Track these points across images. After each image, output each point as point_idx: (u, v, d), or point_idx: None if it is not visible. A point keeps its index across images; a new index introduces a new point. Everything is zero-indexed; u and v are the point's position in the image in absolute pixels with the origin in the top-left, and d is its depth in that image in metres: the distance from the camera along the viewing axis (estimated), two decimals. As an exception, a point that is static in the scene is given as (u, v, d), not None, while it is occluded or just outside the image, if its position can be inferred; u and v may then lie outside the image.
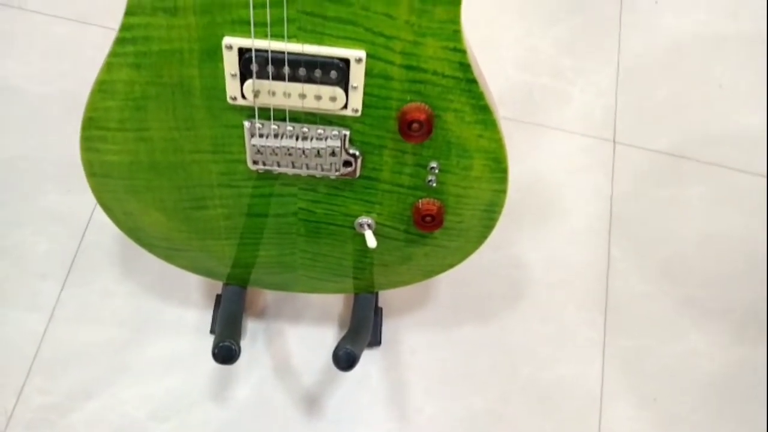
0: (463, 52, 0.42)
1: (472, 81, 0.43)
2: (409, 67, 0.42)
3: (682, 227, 0.85)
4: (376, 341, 0.70)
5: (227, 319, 0.57)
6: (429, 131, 0.45)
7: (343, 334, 0.72)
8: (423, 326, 0.74)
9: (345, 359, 0.51)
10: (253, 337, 0.72)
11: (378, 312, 0.70)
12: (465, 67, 0.43)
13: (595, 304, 0.78)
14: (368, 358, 0.72)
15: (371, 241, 0.52)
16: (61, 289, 0.71)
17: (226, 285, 0.62)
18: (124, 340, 0.70)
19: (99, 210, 0.78)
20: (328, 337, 0.73)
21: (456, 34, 0.41)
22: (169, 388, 0.68)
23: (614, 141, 0.89)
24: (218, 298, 0.69)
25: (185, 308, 0.72)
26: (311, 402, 0.69)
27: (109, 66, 0.43)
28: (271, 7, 0.38)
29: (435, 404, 0.70)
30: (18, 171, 0.77)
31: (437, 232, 0.52)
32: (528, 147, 0.86)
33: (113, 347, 0.69)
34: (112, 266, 0.73)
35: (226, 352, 0.51)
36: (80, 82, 0.82)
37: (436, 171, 0.49)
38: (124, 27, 0.41)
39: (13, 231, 0.74)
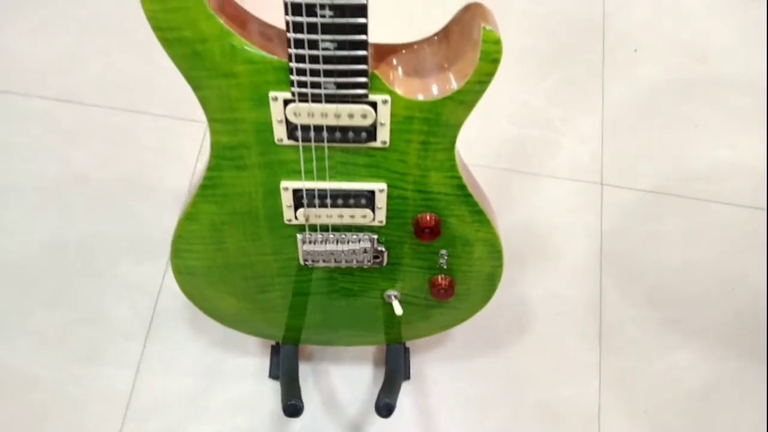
0: (459, 177, 0.55)
1: (468, 195, 0.57)
2: (419, 191, 0.56)
3: (664, 257, 0.97)
4: (406, 376, 0.83)
5: (288, 377, 0.71)
6: (438, 233, 0.58)
7: (376, 371, 0.86)
8: (443, 360, 0.87)
9: (385, 409, 0.65)
10: (304, 377, 0.86)
11: (406, 351, 0.84)
12: (461, 187, 0.56)
13: (591, 331, 0.91)
14: (401, 390, 0.85)
15: (398, 309, 0.65)
16: (143, 347, 0.86)
17: (283, 344, 0.76)
18: (198, 388, 0.84)
19: (169, 277, 0.93)
20: (366, 373, 0.87)
21: (453, 167, 0.54)
22: (238, 426, 0.83)
23: (601, 183, 1.01)
24: (273, 348, 0.83)
25: (246, 357, 0.86)
26: (355, 430, 0.83)
27: (194, 202, 0.56)
28: (316, 161, 0.52)
29: (457, 427, 0.84)
30: (93, 249, 0.92)
31: (450, 300, 0.65)
32: (524, 194, 0.99)
33: (190, 394, 0.84)
34: (184, 325, 0.87)
35: (293, 410, 0.65)
36: (136, 166, 0.97)
37: (446, 256, 0.62)
38: (207, 178, 0.55)
39: (97, 300, 0.89)
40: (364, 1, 0.41)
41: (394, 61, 0.48)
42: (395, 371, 0.75)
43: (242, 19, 0.46)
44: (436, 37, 0.49)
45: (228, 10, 0.45)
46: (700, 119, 1.07)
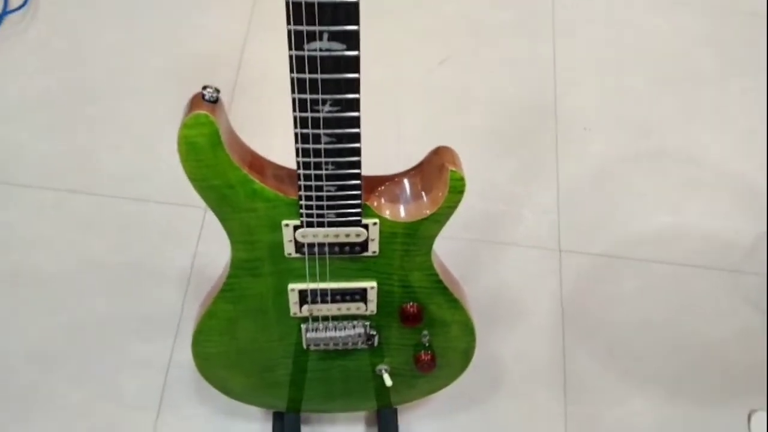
0: (436, 274, 0.67)
1: (444, 288, 0.69)
2: (403, 286, 0.68)
3: (620, 315, 1.09)
4: (395, 433, 0.94)
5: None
6: (420, 319, 0.70)
7: (368, 426, 0.96)
8: (428, 417, 0.98)
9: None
10: (303, 437, 0.96)
11: (395, 412, 0.94)
12: (438, 281, 0.68)
13: (556, 383, 1.02)
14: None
15: (388, 381, 0.76)
16: (156, 418, 0.95)
17: (286, 413, 0.85)
18: (207, 452, 0.93)
19: (176, 352, 1.02)
20: (359, 429, 0.96)
21: (430, 267, 0.66)
22: (244, 486, 0.91)
23: (560, 249, 1.14)
24: (275, 415, 0.93)
25: (250, 423, 0.95)
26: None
27: (214, 302, 0.67)
28: (318, 267, 0.63)
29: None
30: (108, 329, 1.00)
31: (432, 371, 0.76)
32: (492, 262, 1.11)
33: (200, 458, 0.93)
34: (191, 396, 0.96)
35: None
36: (145, 251, 1.06)
37: (428, 336, 0.74)
38: (226, 284, 0.66)
39: (111, 377, 0.98)
40: (359, 159, 0.53)
41: (381, 190, 0.61)
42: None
43: (261, 165, 0.58)
44: (413, 171, 0.61)
45: (249, 160, 0.57)
46: (647, 188, 1.21)
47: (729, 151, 1.24)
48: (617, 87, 1.31)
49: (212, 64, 1.24)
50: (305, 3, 0.43)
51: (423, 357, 0.74)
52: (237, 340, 0.72)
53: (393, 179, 0.61)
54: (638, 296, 1.11)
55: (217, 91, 0.52)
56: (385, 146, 1.23)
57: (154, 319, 1.02)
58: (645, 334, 1.07)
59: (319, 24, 0.44)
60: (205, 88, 0.52)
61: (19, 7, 1.21)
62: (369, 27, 1.27)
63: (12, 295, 1.01)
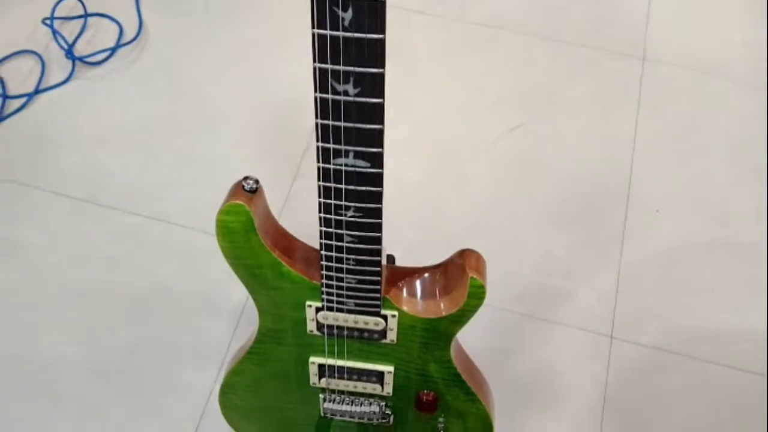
0: (454, 368, 0.68)
1: (462, 381, 0.69)
2: (420, 374, 0.69)
3: (664, 413, 1.04)
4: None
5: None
6: (435, 408, 0.71)
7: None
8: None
9: None
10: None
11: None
12: (456, 374, 0.69)
13: (588, 477, 0.99)
14: None
15: (402, 457, 0.77)
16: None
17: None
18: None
19: (218, 384, 0.97)
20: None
21: (448, 360, 0.67)
22: None
23: (611, 336, 1.10)
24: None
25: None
26: None
27: (242, 362, 0.72)
28: (337, 346, 0.65)
29: None
30: (163, 353, 1.06)
31: (446, 454, 0.77)
32: (539, 339, 1.09)
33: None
34: (226, 427, 1.00)
35: None
36: (209, 283, 1.12)
37: (443, 423, 0.74)
38: (253, 347, 0.70)
39: (156, 398, 1.03)
40: (379, 258, 0.55)
41: (403, 282, 0.62)
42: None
43: (291, 247, 0.61)
44: (437, 268, 0.62)
45: (281, 242, 0.60)
46: (713, 282, 1.15)
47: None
48: (697, 171, 1.26)
49: (297, 108, 1.30)
50: (332, 126, 0.46)
51: (438, 441, 0.75)
52: (261, 398, 0.76)
53: (417, 273, 0.62)
54: (687, 396, 1.05)
55: (257, 182, 0.56)
56: (449, 210, 1.24)
57: (204, 348, 1.08)
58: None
59: (345, 144, 0.47)
60: (246, 179, 0.56)
61: (131, 41, 1.32)
62: (445, 88, 1.30)
63: (81, 308, 1.09)
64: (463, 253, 0.60)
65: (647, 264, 1.17)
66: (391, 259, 0.74)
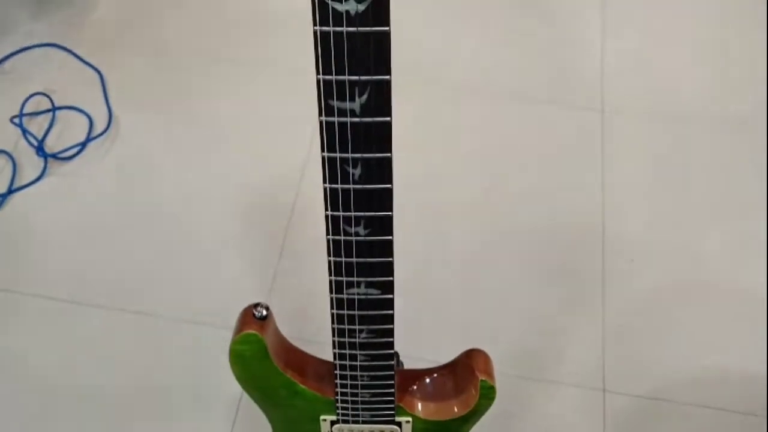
0: None
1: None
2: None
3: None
4: None
5: None
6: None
7: None
8: None
9: None
10: None
11: None
12: None
13: None
14: None
15: None
16: None
17: None
18: None
19: None
20: None
21: None
22: None
23: (604, 390, 1.13)
24: None
25: None
26: None
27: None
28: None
29: None
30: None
31: None
32: (535, 400, 1.11)
33: None
34: None
35: None
36: (201, 376, 1.11)
37: None
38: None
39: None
40: (392, 373, 0.57)
41: (413, 388, 0.64)
42: None
43: (303, 364, 0.62)
44: (446, 369, 0.64)
45: (292, 362, 0.61)
46: (695, 325, 1.19)
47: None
48: (666, 217, 1.31)
49: (272, 185, 1.31)
50: (345, 263, 0.48)
51: None
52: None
53: (426, 376, 0.64)
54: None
55: (267, 308, 0.57)
56: (429, 266, 1.26)
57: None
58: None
59: (357, 276, 0.49)
60: (256, 306, 0.57)
61: (102, 133, 1.32)
62: (417, 151, 1.33)
63: (71, 415, 1.06)
64: (471, 354, 0.62)
65: (629, 314, 1.20)
66: (395, 355, 0.75)
